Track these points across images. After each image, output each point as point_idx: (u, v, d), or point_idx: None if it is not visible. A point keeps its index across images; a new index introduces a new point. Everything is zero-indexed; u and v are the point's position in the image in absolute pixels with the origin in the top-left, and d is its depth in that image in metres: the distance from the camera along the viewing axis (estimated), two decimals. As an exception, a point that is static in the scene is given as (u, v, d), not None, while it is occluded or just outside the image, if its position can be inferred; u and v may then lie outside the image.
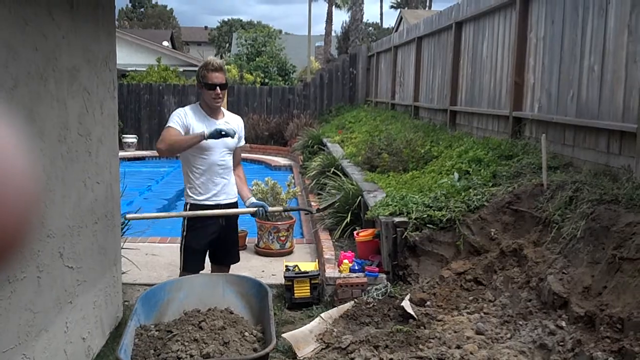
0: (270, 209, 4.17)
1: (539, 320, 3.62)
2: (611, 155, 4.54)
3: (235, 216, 4.19)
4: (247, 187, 4.25)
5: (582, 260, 3.70)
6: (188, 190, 4.00)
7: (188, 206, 4.00)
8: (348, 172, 7.55)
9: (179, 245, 4.05)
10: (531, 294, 3.89)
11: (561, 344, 3.30)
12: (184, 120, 3.87)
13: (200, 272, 4.00)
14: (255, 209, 4.03)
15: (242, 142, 4.19)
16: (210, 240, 4.02)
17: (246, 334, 2.99)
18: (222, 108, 4.07)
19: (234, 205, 4.12)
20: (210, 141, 3.83)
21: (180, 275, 3.98)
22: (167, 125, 3.86)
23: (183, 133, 3.84)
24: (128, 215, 4.14)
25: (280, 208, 4.49)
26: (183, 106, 4.09)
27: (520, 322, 3.76)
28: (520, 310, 3.86)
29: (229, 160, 4.03)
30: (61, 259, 3.25)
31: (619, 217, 3.64)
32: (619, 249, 3.44)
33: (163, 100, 16.52)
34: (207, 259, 4.14)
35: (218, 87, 3.86)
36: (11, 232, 0.47)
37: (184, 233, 4.00)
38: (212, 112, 3.96)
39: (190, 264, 3.98)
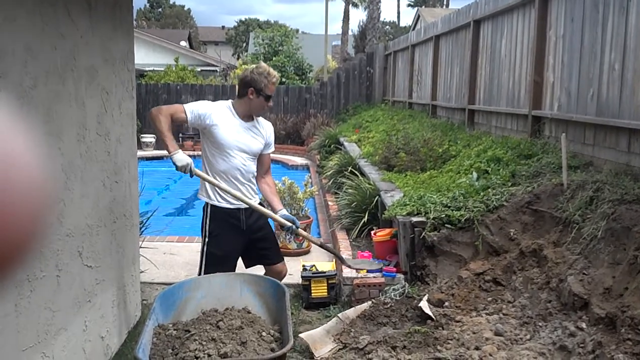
0: (301, 232, 3.97)
1: (559, 322, 3.58)
2: (632, 154, 4.48)
3: (260, 219, 4.00)
4: (277, 198, 4.07)
5: (603, 261, 3.65)
6: (209, 191, 3.88)
7: (209, 208, 3.87)
8: (365, 171, 7.53)
9: (201, 250, 3.91)
10: (551, 295, 3.84)
11: (581, 345, 3.26)
12: (204, 116, 3.75)
13: None
14: (288, 223, 3.85)
15: (271, 149, 4.08)
16: (236, 247, 3.91)
17: (263, 333, 2.99)
18: None
19: (247, 217, 3.93)
20: (232, 144, 3.79)
21: None
22: (183, 104, 3.79)
23: (189, 120, 3.76)
24: (195, 170, 3.78)
25: (314, 239, 4.23)
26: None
27: (540, 324, 3.72)
28: (539, 311, 3.81)
29: (250, 165, 3.90)
30: (80, 258, 3.27)
31: (640, 218, 3.58)
32: (640, 250, 3.38)
33: (181, 99, 16.59)
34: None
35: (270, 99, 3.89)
36: (21, 236, 0.47)
37: (206, 239, 3.85)
38: (245, 114, 3.87)
39: (211, 272, 3.76)
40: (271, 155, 4.15)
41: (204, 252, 3.87)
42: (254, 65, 3.95)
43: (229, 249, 3.90)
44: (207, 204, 3.91)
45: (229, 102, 3.93)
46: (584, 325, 3.41)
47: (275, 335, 3.04)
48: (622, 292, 3.36)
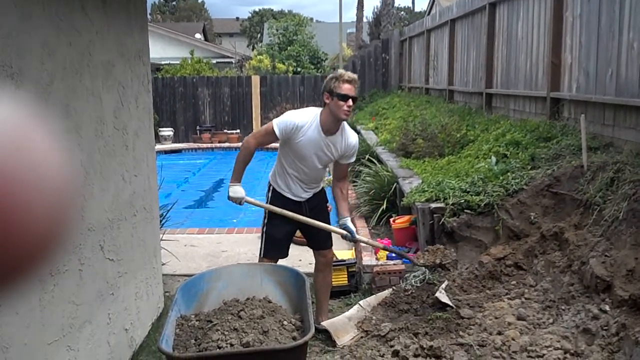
0: (359, 238, 4.11)
1: (581, 305, 3.55)
2: (654, 134, 4.41)
3: (319, 205, 4.10)
4: (346, 204, 4.12)
5: (625, 243, 3.61)
6: (276, 176, 4.02)
7: (271, 192, 4.05)
8: (383, 158, 7.51)
9: (261, 230, 4.09)
10: (573, 278, 3.81)
11: (605, 328, 3.24)
12: (289, 133, 3.80)
13: (281, 259, 4.03)
14: (344, 232, 4.02)
15: (350, 160, 4.08)
16: (290, 231, 4.06)
17: (285, 322, 3.00)
18: (344, 125, 3.96)
19: (309, 200, 4.04)
20: (307, 157, 3.85)
21: (259, 262, 4.03)
22: (273, 124, 3.83)
23: (280, 140, 3.85)
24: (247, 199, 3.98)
25: (376, 243, 4.21)
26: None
27: (563, 307, 3.70)
28: (562, 294, 3.79)
29: (320, 171, 3.98)
30: (102, 252, 3.31)
31: (663, 198, 3.54)
32: (663, 231, 3.34)
33: (197, 92, 16.65)
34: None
35: (350, 100, 3.74)
36: (50, 232, 0.48)
37: (265, 221, 4.05)
38: (330, 127, 3.82)
39: (270, 252, 4.00)
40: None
41: (263, 232, 4.05)
42: None
43: (283, 233, 4.02)
44: (271, 186, 4.06)
45: (318, 113, 3.87)
46: (607, 307, 3.38)
47: (296, 324, 3.05)
48: (646, 274, 3.32)
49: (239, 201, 3.89)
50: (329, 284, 4.35)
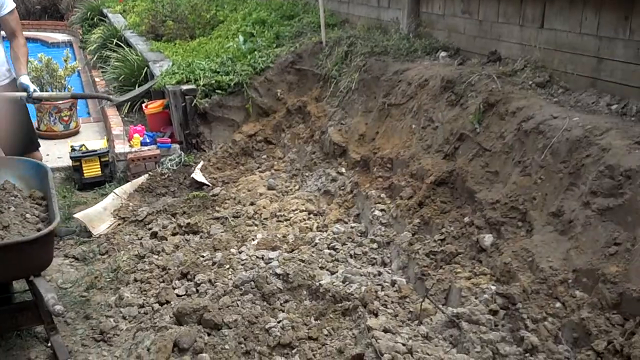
0: (40, 95, 3.50)
1: (322, 170, 3.89)
2: (381, 9, 4.78)
3: (9, 102, 3.54)
4: (21, 61, 3.56)
5: (357, 111, 3.98)
6: None
7: None
8: (132, 42, 7.16)
9: None
10: (315, 147, 4.14)
11: (342, 188, 3.61)
12: None
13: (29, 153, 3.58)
14: (22, 93, 3.47)
15: (4, 11, 3.53)
16: None
17: (27, 215, 2.86)
18: None
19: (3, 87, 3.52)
20: None
21: None
22: None
23: None
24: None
25: (61, 94, 3.39)
26: None
27: (307, 174, 4.02)
28: (306, 163, 4.10)
29: None
30: None
31: (387, 67, 3.92)
32: (387, 97, 3.74)
33: None
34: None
35: None
36: None
37: None
38: None
39: None
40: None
41: None
42: None
43: None
44: None
45: None
46: (343, 170, 3.75)
47: (41, 215, 2.92)
48: (374, 137, 3.73)
49: None
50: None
